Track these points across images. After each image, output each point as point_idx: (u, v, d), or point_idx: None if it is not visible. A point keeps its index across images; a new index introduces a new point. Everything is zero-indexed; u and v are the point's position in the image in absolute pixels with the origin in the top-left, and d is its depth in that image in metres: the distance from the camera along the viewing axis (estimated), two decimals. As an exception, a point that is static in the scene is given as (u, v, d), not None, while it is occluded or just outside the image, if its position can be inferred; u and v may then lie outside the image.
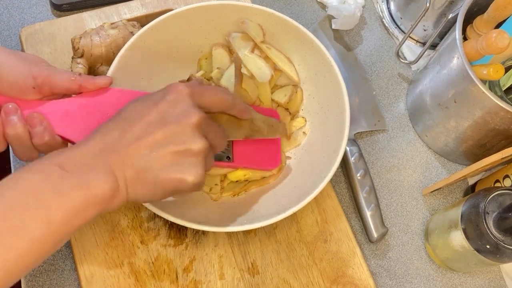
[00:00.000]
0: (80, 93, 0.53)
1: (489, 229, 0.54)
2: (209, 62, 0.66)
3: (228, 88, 0.60)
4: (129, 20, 0.69)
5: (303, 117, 0.66)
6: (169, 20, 0.62)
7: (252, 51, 0.65)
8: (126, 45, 0.59)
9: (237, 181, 0.62)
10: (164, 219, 0.61)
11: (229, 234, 0.62)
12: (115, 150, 0.45)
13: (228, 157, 0.60)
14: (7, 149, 0.65)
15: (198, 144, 0.46)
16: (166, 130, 0.46)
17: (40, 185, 0.41)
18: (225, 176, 0.62)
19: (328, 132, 0.62)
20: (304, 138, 0.65)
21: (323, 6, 0.81)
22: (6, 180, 0.41)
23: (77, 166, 0.43)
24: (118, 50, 0.60)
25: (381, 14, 0.82)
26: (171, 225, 0.61)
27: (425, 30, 0.78)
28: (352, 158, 0.68)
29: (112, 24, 0.66)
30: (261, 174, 0.63)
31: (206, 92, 0.50)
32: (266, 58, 0.65)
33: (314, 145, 0.64)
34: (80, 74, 0.52)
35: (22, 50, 0.69)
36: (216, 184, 0.62)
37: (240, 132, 0.56)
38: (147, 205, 0.54)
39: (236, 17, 0.64)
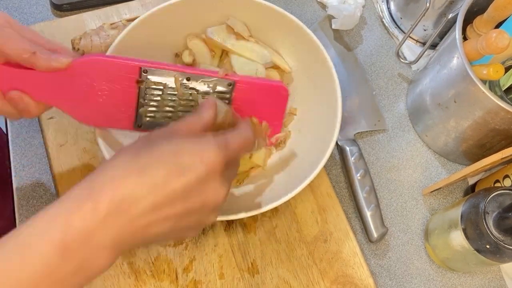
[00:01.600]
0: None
1: (489, 229, 0.54)
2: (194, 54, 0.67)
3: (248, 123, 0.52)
4: (129, 20, 0.69)
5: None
6: (158, 14, 0.62)
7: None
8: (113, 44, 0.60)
9: None
10: (164, 219, 0.61)
11: (229, 234, 0.62)
12: (128, 220, 0.38)
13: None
14: (7, 145, 0.65)
15: (213, 219, 0.45)
16: (188, 204, 0.41)
17: (34, 275, 0.35)
18: None
19: (321, 118, 0.63)
20: (292, 122, 0.67)
21: (323, 6, 0.81)
22: None
23: (80, 247, 0.37)
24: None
25: (381, 14, 0.82)
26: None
27: (425, 30, 0.78)
28: (352, 158, 0.68)
29: (112, 24, 0.66)
30: (250, 164, 0.64)
31: (237, 148, 0.45)
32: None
33: (306, 133, 0.65)
34: (34, 53, 0.46)
35: (22, 50, 0.69)
36: None
37: None
38: None
39: (225, 9, 0.64)
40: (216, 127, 0.50)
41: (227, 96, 0.57)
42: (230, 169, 0.45)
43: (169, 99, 0.56)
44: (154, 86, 0.55)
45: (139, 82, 0.54)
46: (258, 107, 0.60)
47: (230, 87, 0.57)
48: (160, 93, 0.55)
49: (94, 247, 0.37)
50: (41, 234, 0.36)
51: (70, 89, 0.51)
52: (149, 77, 0.54)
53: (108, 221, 0.37)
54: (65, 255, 0.36)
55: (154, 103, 0.56)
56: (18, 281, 0.35)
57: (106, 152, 0.55)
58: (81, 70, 0.50)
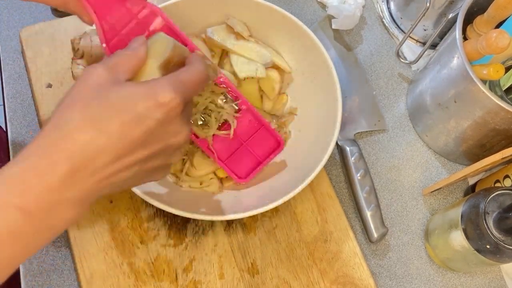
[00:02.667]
0: None
1: (489, 229, 0.54)
2: None
3: (202, 56, 0.51)
4: (129, 20, 0.69)
5: (285, 93, 0.68)
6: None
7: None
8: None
9: (227, 177, 0.63)
10: (163, 219, 0.61)
11: (229, 234, 0.62)
12: (90, 174, 0.37)
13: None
14: (6, 141, 0.65)
15: (178, 157, 0.45)
16: (150, 150, 0.41)
17: None
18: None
19: (321, 118, 0.63)
20: (292, 121, 0.67)
21: (323, 6, 0.81)
22: None
23: (41, 207, 0.36)
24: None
25: (381, 14, 0.82)
26: (171, 225, 0.61)
27: (425, 30, 0.78)
28: (352, 158, 0.68)
29: (112, 24, 0.66)
30: None
31: (192, 85, 0.44)
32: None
33: (306, 133, 0.65)
34: None
35: (22, 50, 0.69)
36: (211, 178, 0.62)
37: None
38: (150, 200, 0.54)
39: (225, 9, 0.64)
40: (165, 64, 0.48)
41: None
42: (188, 108, 0.44)
43: None
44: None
45: None
46: (252, 139, 0.63)
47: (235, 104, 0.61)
48: None
49: (58, 205, 0.36)
50: (3, 193, 0.35)
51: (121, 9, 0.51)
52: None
53: (69, 179, 0.36)
54: (27, 216, 0.35)
55: None
56: None
57: None
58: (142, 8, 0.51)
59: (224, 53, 0.66)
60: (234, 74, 0.65)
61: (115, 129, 0.38)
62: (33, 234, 0.36)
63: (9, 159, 0.65)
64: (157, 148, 0.41)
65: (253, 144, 0.63)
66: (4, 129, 0.69)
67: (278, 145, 0.64)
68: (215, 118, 0.60)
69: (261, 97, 0.67)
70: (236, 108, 0.61)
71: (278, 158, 0.65)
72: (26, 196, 0.35)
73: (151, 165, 0.42)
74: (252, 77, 0.64)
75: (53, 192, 0.36)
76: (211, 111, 0.60)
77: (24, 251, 0.37)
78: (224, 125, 0.62)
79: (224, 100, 0.60)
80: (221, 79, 0.58)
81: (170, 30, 0.51)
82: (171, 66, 0.48)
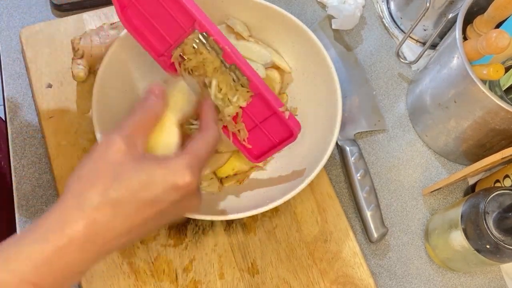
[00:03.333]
0: None
1: (489, 229, 0.54)
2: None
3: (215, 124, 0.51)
4: (129, 20, 0.69)
5: (285, 93, 0.68)
6: None
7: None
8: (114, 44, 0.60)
9: (227, 177, 0.63)
10: (164, 219, 0.61)
11: (229, 234, 0.62)
12: (101, 247, 0.40)
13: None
14: (6, 132, 0.65)
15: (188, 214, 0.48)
16: (162, 221, 0.44)
17: None
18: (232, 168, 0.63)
19: (321, 118, 0.63)
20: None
21: (323, 6, 0.81)
22: None
23: (56, 282, 0.39)
24: (118, 50, 0.60)
25: (381, 14, 0.82)
26: (171, 225, 0.61)
27: (425, 30, 0.78)
28: (352, 158, 0.68)
29: (112, 24, 0.66)
30: (250, 164, 0.63)
31: (207, 157, 0.47)
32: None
33: (306, 133, 0.65)
34: None
35: (22, 50, 0.69)
36: (211, 178, 0.62)
37: None
38: None
39: (225, 9, 0.64)
40: (183, 118, 0.49)
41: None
42: (202, 173, 0.47)
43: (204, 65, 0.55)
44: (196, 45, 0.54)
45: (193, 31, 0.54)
46: (267, 121, 0.58)
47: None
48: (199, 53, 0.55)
49: (70, 279, 0.40)
50: (12, 271, 0.37)
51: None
52: (200, 37, 0.54)
53: (83, 258, 0.39)
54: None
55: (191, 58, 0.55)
56: None
57: None
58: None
59: None
60: None
61: (132, 211, 0.41)
62: None
63: (8, 151, 0.65)
64: (169, 217, 0.45)
65: (268, 126, 0.59)
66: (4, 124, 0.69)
67: (291, 134, 0.58)
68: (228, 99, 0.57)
69: None
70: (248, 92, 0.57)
71: (278, 158, 0.65)
72: (44, 275, 0.38)
73: (162, 222, 0.45)
74: None
75: (68, 268, 0.39)
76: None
77: None
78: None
79: (237, 80, 0.56)
80: (236, 58, 0.54)
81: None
82: (187, 120, 0.50)
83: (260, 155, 0.60)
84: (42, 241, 0.38)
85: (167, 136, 0.47)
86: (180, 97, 0.50)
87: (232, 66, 0.54)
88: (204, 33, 0.53)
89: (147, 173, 0.41)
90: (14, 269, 0.37)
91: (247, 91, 0.55)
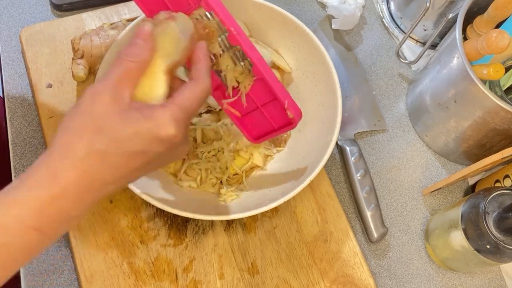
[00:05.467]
0: None
1: (489, 229, 0.54)
2: None
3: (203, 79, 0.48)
4: (128, 20, 0.69)
5: None
6: None
7: None
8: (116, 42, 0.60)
9: (228, 177, 0.63)
10: (163, 219, 0.61)
11: (229, 234, 0.62)
12: (95, 193, 0.42)
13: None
14: (7, 147, 0.65)
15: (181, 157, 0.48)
16: (150, 168, 0.45)
17: (14, 252, 0.39)
18: (226, 167, 0.63)
19: (321, 118, 0.63)
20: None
21: (323, 6, 0.81)
22: None
23: (54, 227, 0.41)
24: (118, 50, 0.60)
25: (381, 14, 0.82)
26: (171, 225, 0.61)
27: (425, 30, 0.78)
28: (352, 158, 0.68)
29: (111, 24, 0.66)
30: (251, 164, 0.64)
31: (196, 109, 0.46)
32: None
33: (306, 133, 0.65)
34: None
35: (22, 50, 0.69)
36: (211, 179, 0.62)
37: None
38: (150, 200, 0.54)
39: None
40: (173, 66, 0.47)
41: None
42: (187, 128, 0.47)
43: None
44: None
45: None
46: (269, 105, 0.57)
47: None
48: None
49: (67, 222, 0.41)
50: (13, 216, 0.39)
51: None
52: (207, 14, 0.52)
53: (76, 202, 0.41)
54: (40, 235, 0.40)
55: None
56: None
57: None
58: None
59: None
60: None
61: (119, 162, 0.42)
62: (42, 247, 0.41)
63: (7, 144, 0.65)
64: (158, 165, 0.46)
65: (270, 110, 0.57)
66: (4, 129, 0.69)
67: (290, 122, 0.56)
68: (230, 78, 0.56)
69: None
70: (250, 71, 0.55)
71: (278, 158, 0.65)
72: (43, 220, 0.40)
73: (151, 169, 0.46)
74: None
75: (64, 213, 0.41)
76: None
77: (29, 259, 0.41)
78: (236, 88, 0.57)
79: (241, 63, 0.55)
80: (241, 40, 0.52)
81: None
82: (177, 67, 0.47)
83: (259, 136, 0.60)
84: (36, 188, 0.40)
85: (155, 85, 0.45)
86: (170, 41, 0.46)
87: (236, 48, 0.53)
88: (210, 12, 0.51)
89: (132, 125, 0.42)
90: (15, 214, 0.39)
91: (250, 75, 0.54)
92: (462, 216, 0.58)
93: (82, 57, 0.64)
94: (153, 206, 0.58)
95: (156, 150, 0.43)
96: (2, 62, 0.70)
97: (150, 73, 0.45)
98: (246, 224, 0.63)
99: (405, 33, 0.77)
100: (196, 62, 0.48)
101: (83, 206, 0.42)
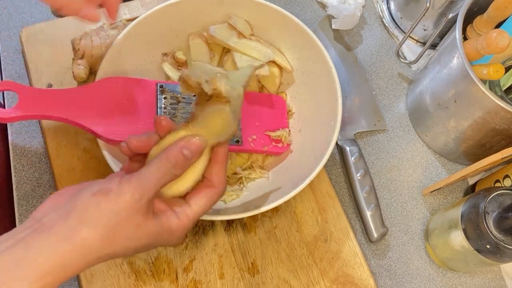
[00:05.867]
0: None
1: (489, 229, 0.54)
2: (186, 54, 0.67)
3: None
4: (128, 20, 0.69)
5: (284, 93, 0.69)
6: (158, 14, 0.62)
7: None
8: (115, 42, 0.61)
9: (227, 177, 0.63)
10: (164, 219, 0.61)
11: (229, 234, 0.62)
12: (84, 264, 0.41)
13: (237, 141, 0.61)
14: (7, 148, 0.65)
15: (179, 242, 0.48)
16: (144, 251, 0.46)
17: None
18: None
19: (321, 118, 0.63)
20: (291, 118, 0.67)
21: (323, 6, 0.81)
22: None
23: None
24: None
25: (381, 14, 0.82)
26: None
27: (425, 30, 0.78)
28: (352, 158, 0.68)
29: (112, 24, 0.66)
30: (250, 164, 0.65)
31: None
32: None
33: (306, 133, 0.65)
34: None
35: (23, 50, 0.69)
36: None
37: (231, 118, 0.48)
38: None
39: (227, 9, 0.65)
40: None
41: None
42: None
43: (184, 108, 0.60)
44: (171, 98, 0.60)
45: (160, 91, 0.59)
46: (263, 113, 0.65)
47: None
48: (176, 103, 0.60)
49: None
50: (21, 278, 0.38)
51: (94, 105, 0.54)
52: (166, 88, 0.59)
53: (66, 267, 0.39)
54: None
55: (172, 111, 0.60)
56: None
57: (113, 163, 0.55)
58: (105, 86, 0.55)
59: (225, 52, 0.67)
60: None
61: (120, 254, 0.42)
62: None
63: (7, 139, 0.66)
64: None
65: (266, 114, 0.65)
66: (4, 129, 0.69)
67: (280, 99, 0.66)
68: None
69: (261, 92, 0.68)
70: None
71: (277, 158, 0.65)
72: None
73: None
74: (256, 75, 0.64)
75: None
76: None
77: None
78: None
79: None
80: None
81: None
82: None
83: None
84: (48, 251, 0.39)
85: (185, 179, 0.46)
86: (220, 124, 0.45)
87: None
88: None
89: (151, 238, 0.43)
90: (22, 276, 0.38)
91: None
92: (462, 216, 0.58)
93: (82, 57, 0.64)
94: (153, 206, 0.58)
95: (158, 245, 0.45)
96: (2, 62, 0.70)
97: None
98: (246, 224, 0.63)
99: (405, 33, 0.77)
100: (217, 162, 0.47)
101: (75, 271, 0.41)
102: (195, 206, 0.46)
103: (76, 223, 0.40)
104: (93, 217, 0.40)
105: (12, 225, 0.62)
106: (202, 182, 0.47)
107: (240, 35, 0.65)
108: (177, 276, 0.59)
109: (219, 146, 0.47)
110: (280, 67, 0.66)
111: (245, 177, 0.63)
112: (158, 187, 0.42)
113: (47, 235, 0.39)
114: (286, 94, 0.68)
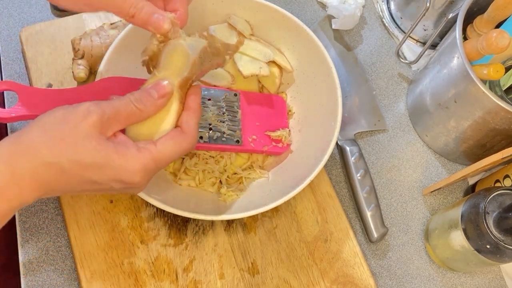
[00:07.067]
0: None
1: (489, 229, 0.54)
2: None
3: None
4: (129, 20, 0.69)
5: (284, 92, 0.69)
6: None
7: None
8: (114, 43, 0.60)
9: (227, 177, 0.63)
10: (164, 219, 0.61)
11: (229, 234, 0.62)
12: (44, 192, 0.43)
13: (237, 141, 0.61)
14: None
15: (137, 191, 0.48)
16: (98, 192, 0.46)
17: None
18: (224, 169, 0.63)
19: (321, 118, 0.63)
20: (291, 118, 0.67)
21: (323, 6, 0.81)
22: None
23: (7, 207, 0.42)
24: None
25: (381, 14, 0.82)
26: (171, 225, 0.61)
27: (425, 30, 0.78)
28: (352, 158, 0.68)
29: (112, 24, 0.66)
30: (250, 163, 0.65)
31: (172, 160, 0.46)
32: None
33: (306, 133, 0.65)
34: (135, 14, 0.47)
35: (22, 50, 0.69)
36: (210, 178, 0.62)
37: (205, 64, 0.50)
38: (150, 200, 0.54)
39: (227, 9, 0.65)
40: (184, 82, 0.47)
41: (236, 104, 0.63)
42: (158, 170, 0.46)
43: None
44: None
45: None
46: (263, 113, 0.65)
47: (236, 97, 0.63)
48: None
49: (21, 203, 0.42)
50: None
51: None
52: None
53: (21, 188, 0.41)
54: None
55: None
56: None
57: None
58: (105, 86, 0.55)
59: None
60: (237, 71, 0.65)
61: (74, 182, 0.43)
62: None
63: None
64: (107, 192, 0.48)
65: (267, 114, 0.64)
66: (4, 129, 0.69)
67: (280, 98, 0.67)
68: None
69: (261, 92, 0.68)
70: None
71: (277, 158, 0.65)
72: None
73: (100, 193, 0.48)
74: (257, 75, 0.64)
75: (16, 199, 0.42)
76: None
77: None
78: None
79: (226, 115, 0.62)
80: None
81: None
82: (188, 83, 0.48)
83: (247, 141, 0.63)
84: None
85: (163, 120, 0.46)
86: (179, 57, 0.47)
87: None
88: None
89: (103, 158, 0.42)
90: None
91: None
92: (462, 216, 0.58)
93: (82, 57, 0.64)
94: (153, 206, 0.58)
95: (113, 186, 0.44)
96: (2, 62, 0.70)
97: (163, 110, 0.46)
98: (246, 224, 0.63)
99: (405, 33, 0.77)
100: (188, 110, 0.48)
101: (27, 198, 0.42)
102: (160, 145, 0.45)
103: (30, 126, 0.42)
104: (44, 121, 0.42)
105: (12, 225, 0.62)
106: (173, 129, 0.47)
107: (240, 35, 0.65)
108: (177, 276, 0.59)
109: (190, 91, 0.48)
110: (280, 67, 0.66)
111: (245, 177, 0.63)
112: (117, 112, 0.43)
113: (7, 140, 0.42)
114: (286, 94, 0.68)
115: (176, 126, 0.47)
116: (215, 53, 0.49)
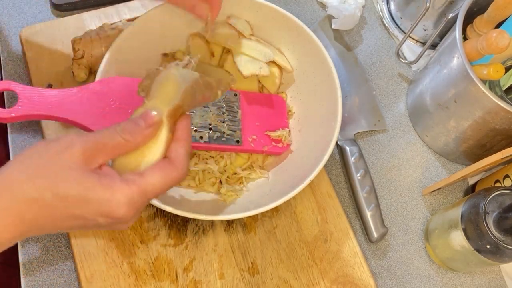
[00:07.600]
0: None
1: (489, 229, 0.54)
2: (186, 54, 0.67)
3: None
4: (128, 20, 0.69)
5: (284, 92, 0.69)
6: (158, 14, 0.62)
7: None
8: (114, 44, 0.60)
9: (227, 177, 0.63)
10: (164, 219, 0.61)
11: (229, 234, 0.62)
12: (27, 230, 0.41)
13: (237, 141, 0.61)
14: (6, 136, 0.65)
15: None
16: (83, 228, 0.44)
17: None
18: (224, 169, 0.63)
19: (321, 118, 0.63)
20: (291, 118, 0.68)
21: (323, 6, 0.81)
22: None
23: None
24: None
25: (381, 14, 0.82)
26: (171, 225, 0.61)
27: (425, 30, 0.78)
28: (352, 158, 0.68)
29: (112, 24, 0.66)
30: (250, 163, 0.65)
31: (154, 195, 0.43)
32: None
33: (306, 133, 0.65)
34: None
35: (22, 50, 0.69)
36: (210, 178, 0.62)
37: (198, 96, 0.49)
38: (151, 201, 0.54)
39: (227, 9, 0.64)
40: (174, 110, 0.46)
41: (236, 104, 0.63)
42: (146, 204, 0.44)
43: None
44: None
45: None
46: (263, 113, 0.65)
47: (236, 97, 0.64)
48: None
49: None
50: None
51: (94, 105, 0.54)
52: None
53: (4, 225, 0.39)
54: None
55: None
56: None
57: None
58: (105, 86, 0.55)
59: (225, 52, 0.66)
60: (237, 71, 0.65)
61: (57, 218, 0.41)
62: None
63: (7, 139, 0.66)
64: (93, 229, 0.45)
65: (267, 115, 0.65)
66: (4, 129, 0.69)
67: (280, 98, 0.67)
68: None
69: (261, 92, 0.68)
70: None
71: (277, 158, 0.65)
72: None
73: (85, 230, 0.46)
74: (257, 75, 0.64)
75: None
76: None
77: None
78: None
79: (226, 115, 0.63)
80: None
81: None
82: (179, 112, 0.46)
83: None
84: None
85: (151, 151, 0.45)
86: (170, 86, 0.46)
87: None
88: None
89: (85, 190, 0.40)
90: None
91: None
92: (462, 216, 0.58)
93: (82, 57, 0.64)
94: (153, 206, 0.58)
95: (98, 221, 0.41)
96: (2, 62, 0.70)
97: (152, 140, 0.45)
98: (246, 224, 0.63)
99: (405, 33, 0.77)
100: (177, 140, 0.46)
101: (12, 236, 0.40)
102: (148, 176, 0.42)
103: (10, 162, 0.40)
104: (25, 155, 0.41)
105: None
106: (162, 159, 0.45)
107: (240, 35, 0.65)
108: (177, 276, 0.59)
109: (180, 120, 0.46)
110: (280, 67, 0.66)
111: (245, 177, 0.63)
112: (102, 144, 0.42)
113: None
114: (286, 94, 0.68)
115: (165, 156, 0.45)
116: (207, 87, 0.48)
